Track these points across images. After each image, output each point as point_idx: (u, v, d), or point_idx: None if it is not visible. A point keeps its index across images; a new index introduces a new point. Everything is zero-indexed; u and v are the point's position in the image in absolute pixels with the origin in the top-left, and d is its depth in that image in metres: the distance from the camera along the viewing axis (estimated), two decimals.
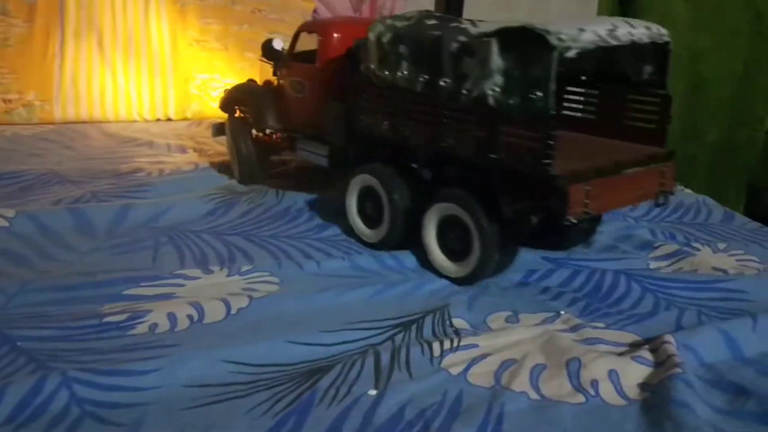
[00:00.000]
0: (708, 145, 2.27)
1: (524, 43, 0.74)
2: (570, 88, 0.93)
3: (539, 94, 0.73)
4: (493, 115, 0.77)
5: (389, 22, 0.89)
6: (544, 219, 0.78)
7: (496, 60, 0.76)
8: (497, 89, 0.76)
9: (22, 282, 0.81)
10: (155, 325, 0.75)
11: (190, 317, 0.76)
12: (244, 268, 0.87)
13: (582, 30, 0.75)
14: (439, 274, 0.86)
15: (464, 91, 0.79)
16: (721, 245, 1.04)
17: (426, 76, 0.83)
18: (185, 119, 1.56)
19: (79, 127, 1.41)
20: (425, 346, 0.72)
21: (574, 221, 0.76)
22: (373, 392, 0.66)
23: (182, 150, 1.34)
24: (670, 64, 0.84)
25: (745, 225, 1.13)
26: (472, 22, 0.83)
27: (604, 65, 0.89)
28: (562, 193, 0.74)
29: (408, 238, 0.90)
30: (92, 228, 0.96)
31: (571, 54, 0.73)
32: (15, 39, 1.47)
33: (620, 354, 0.73)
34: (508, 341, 0.74)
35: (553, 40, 0.72)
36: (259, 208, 1.05)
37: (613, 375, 0.69)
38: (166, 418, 0.61)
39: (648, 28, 0.83)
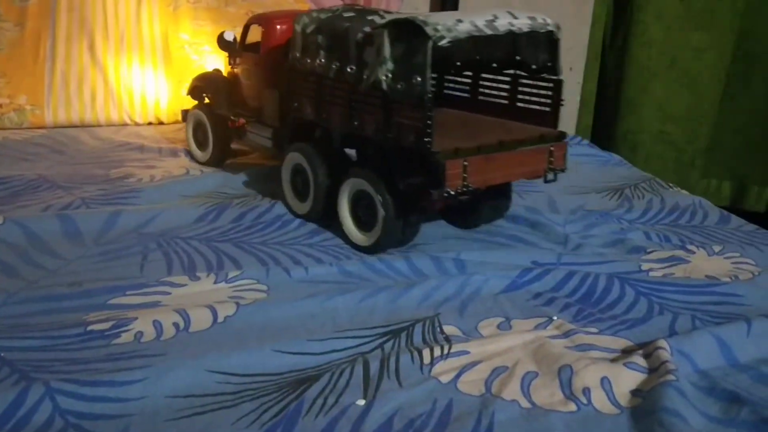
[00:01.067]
0: (693, 144, 2.28)
1: (408, 33, 0.83)
2: (484, 75, 1.04)
3: (419, 79, 0.82)
4: (386, 99, 0.87)
5: (314, 14, 0.99)
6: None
7: (388, 49, 0.86)
8: (389, 75, 0.86)
9: (7, 294, 0.80)
10: (140, 333, 0.74)
11: (176, 325, 0.75)
12: (232, 275, 0.86)
13: (460, 21, 0.84)
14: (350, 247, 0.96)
15: (365, 77, 0.89)
16: (717, 248, 1.03)
17: (337, 63, 0.93)
18: (177, 122, 1.55)
19: (70, 131, 1.40)
20: (415, 353, 0.71)
21: (453, 193, 0.84)
22: (361, 402, 0.64)
23: (174, 154, 1.33)
24: (559, 52, 0.93)
25: (741, 227, 1.12)
26: (382, 15, 0.92)
27: (511, 53, 0.99)
28: (440, 168, 0.83)
29: (330, 212, 0.99)
30: (80, 235, 0.95)
31: (444, 43, 0.82)
32: (6, 42, 1.45)
33: (613, 360, 0.72)
34: (499, 348, 0.73)
35: (429, 31, 0.82)
36: (251, 214, 1.04)
37: (605, 382, 0.68)
38: (151, 430, 0.60)
39: (532, 18, 0.91)
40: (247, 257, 0.93)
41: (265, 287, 0.85)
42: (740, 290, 0.87)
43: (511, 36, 0.92)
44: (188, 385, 0.65)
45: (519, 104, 1.00)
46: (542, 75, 0.97)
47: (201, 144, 1.29)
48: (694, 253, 1.01)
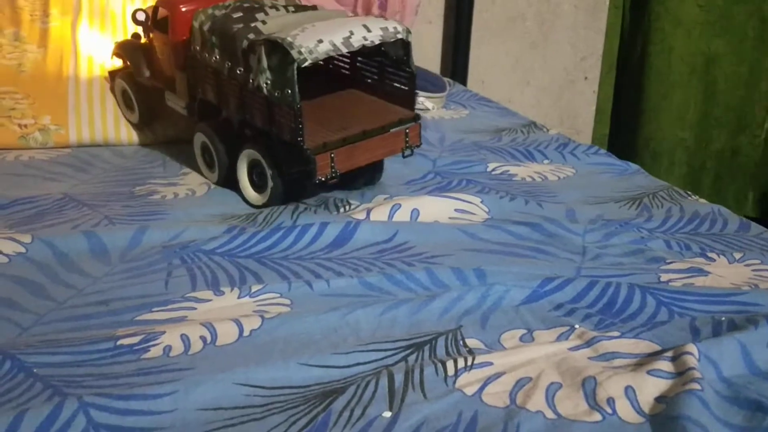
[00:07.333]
0: (714, 152, 2.27)
1: (279, 52, 1.00)
2: (361, 59, 1.21)
3: (289, 91, 1.00)
4: (267, 101, 1.05)
5: (209, 11, 1.12)
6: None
7: (265, 61, 1.02)
8: (269, 83, 1.03)
9: (38, 316, 0.82)
10: (169, 347, 0.75)
11: (203, 339, 0.77)
12: (255, 289, 0.88)
13: (320, 41, 1.01)
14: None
15: (251, 80, 1.06)
16: (737, 255, 1.03)
17: (229, 63, 1.09)
18: None
19: (94, 150, 1.42)
20: (439, 365, 0.72)
21: (323, 179, 1.06)
22: (387, 414, 0.65)
23: (195, 170, 1.35)
24: (410, 51, 1.12)
25: (761, 234, 1.12)
26: (264, 20, 1.07)
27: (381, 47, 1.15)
28: (311, 161, 1.03)
29: (233, 178, 1.18)
30: (106, 252, 0.97)
31: (307, 64, 0.99)
32: (29, 64, 1.48)
33: (636, 367, 0.73)
34: (522, 359, 0.74)
35: (294, 55, 0.98)
36: (272, 229, 1.05)
37: (629, 391, 0.69)
38: None
39: (384, 29, 1.07)
40: (269, 272, 0.94)
41: (288, 301, 0.86)
42: (760, 299, 0.87)
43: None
44: (217, 397, 0.67)
45: (387, 87, 1.18)
46: (401, 67, 1.14)
47: (129, 108, 1.43)
48: (714, 260, 1.01)
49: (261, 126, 1.10)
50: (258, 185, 1.15)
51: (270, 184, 1.12)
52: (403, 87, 1.16)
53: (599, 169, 1.40)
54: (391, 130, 1.13)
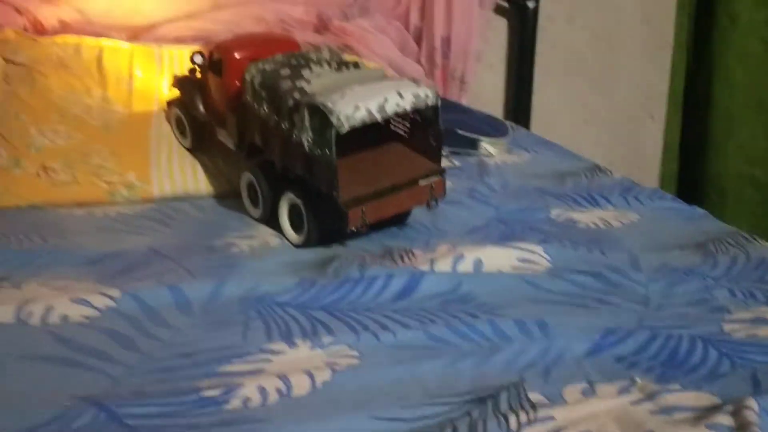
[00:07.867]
0: None
1: (320, 116, 1.10)
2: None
3: (328, 151, 1.10)
4: (308, 155, 1.15)
5: (260, 66, 1.23)
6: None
7: (308, 121, 1.13)
8: (310, 141, 1.14)
9: (127, 366, 0.88)
10: (248, 399, 0.80)
11: (278, 391, 0.82)
12: (325, 341, 0.92)
13: (357, 108, 1.09)
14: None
15: (294, 136, 1.16)
16: None
17: (275, 117, 1.20)
18: None
19: (175, 204, 1.50)
20: (502, 419, 0.75)
21: (355, 230, 1.16)
22: None
23: (268, 222, 1.41)
24: (438, 113, 1.21)
25: None
26: (309, 79, 1.17)
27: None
28: (344, 214, 1.13)
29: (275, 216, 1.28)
30: (189, 305, 1.03)
31: (343, 131, 1.08)
32: (115, 124, 1.59)
33: (696, 419, 0.74)
34: (583, 413, 0.76)
35: (334, 121, 1.08)
36: (341, 281, 1.10)
37: None
38: None
39: (416, 95, 1.16)
40: (339, 324, 0.99)
41: (357, 353, 0.91)
42: None
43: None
44: None
45: (418, 140, 1.26)
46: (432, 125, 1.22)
47: (182, 134, 1.55)
48: None
49: (301, 175, 1.20)
50: (297, 225, 1.25)
51: (306, 227, 1.22)
52: (431, 143, 1.25)
53: (665, 215, 1.40)
54: (419, 183, 1.21)
